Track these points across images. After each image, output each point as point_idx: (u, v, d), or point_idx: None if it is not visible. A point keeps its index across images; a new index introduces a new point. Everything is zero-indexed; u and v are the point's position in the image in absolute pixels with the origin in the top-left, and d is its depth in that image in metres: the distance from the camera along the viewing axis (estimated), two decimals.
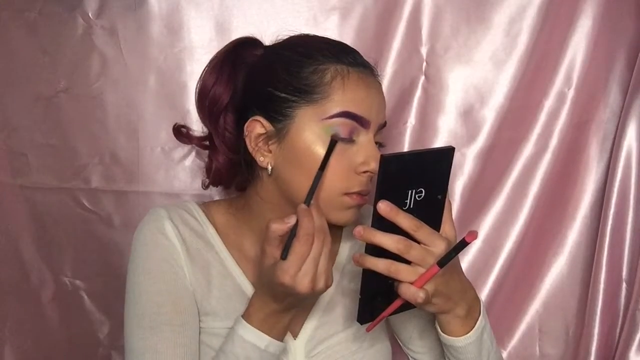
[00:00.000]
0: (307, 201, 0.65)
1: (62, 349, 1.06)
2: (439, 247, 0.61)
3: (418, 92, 1.01)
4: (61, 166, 0.99)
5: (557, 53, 0.98)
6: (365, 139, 0.70)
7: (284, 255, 0.62)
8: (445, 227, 0.65)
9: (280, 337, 0.70)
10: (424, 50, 0.99)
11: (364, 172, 0.70)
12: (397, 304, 0.65)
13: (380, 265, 0.61)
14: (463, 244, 0.58)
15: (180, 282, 0.73)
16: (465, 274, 0.91)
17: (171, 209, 0.77)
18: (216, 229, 0.78)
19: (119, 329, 1.04)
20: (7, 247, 1.01)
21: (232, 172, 0.81)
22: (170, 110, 0.98)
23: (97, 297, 1.04)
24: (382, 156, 0.58)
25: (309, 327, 0.77)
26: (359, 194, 0.71)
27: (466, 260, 1.02)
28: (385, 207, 0.59)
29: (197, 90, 0.80)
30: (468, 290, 0.68)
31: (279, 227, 0.63)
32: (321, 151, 0.68)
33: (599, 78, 0.99)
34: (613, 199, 0.95)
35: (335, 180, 0.69)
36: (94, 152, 0.99)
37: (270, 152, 0.72)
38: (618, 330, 0.97)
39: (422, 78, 1.00)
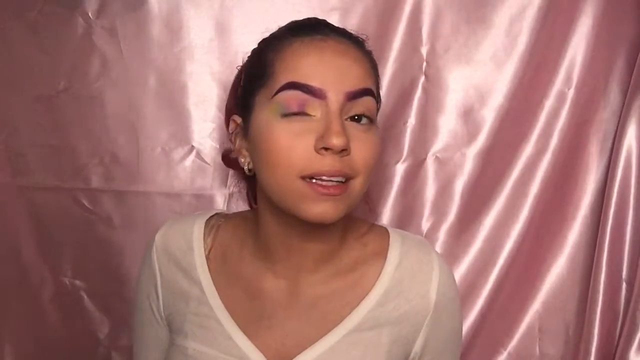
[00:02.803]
0: None
1: (62, 349, 1.05)
2: None
3: (418, 92, 1.00)
4: (61, 166, 0.99)
5: (557, 53, 0.98)
6: (323, 110, 0.60)
7: None
8: None
9: None
10: (424, 50, 0.99)
11: (323, 149, 0.59)
12: None
13: None
14: None
15: (149, 311, 0.76)
16: (465, 274, 0.90)
17: (172, 228, 0.74)
18: (211, 250, 0.73)
19: (119, 329, 1.04)
20: (7, 247, 1.01)
21: None
22: (170, 110, 0.98)
23: (97, 297, 1.04)
24: None
25: (310, 355, 0.66)
26: (319, 179, 0.59)
27: (466, 260, 1.02)
28: None
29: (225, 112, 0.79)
30: None
31: None
32: (273, 132, 0.60)
33: (599, 78, 0.99)
34: (613, 199, 0.95)
35: (289, 160, 0.59)
36: (94, 152, 0.99)
37: (247, 150, 0.66)
38: (618, 330, 0.97)
39: (422, 78, 1.00)
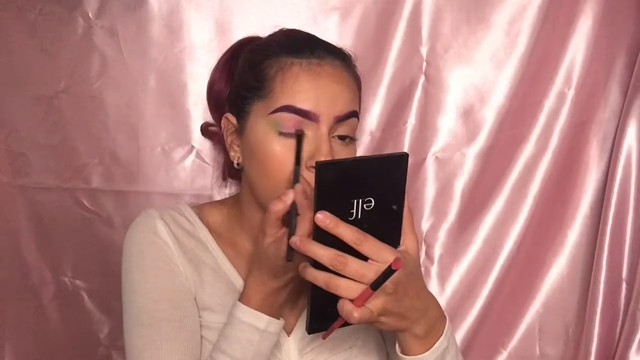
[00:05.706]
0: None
1: (62, 348, 1.06)
2: (387, 262, 0.55)
3: (418, 92, 1.01)
4: (61, 166, 0.99)
5: (557, 53, 0.98)
6: (314, 131, 0.67)
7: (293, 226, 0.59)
8: (405, 239, 0.60)
9: (278, 316, 0.68)
10: (424, 50, 0.99)
11: (312, 166, 0.65)
12: None
13: (319, 278, 0.56)
14: (390, 271, 0.54)
15: (175, 278, 0.73)
16: (465, 274, 0.90)
17: (163, 211, 0.77)
18: (209, 229, 0.78)
19: (119, 329, 1.04)
20: (7, 247, 1.01)
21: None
22: (170, 110, 0.98)
23: (97, 297, 1.04)
24: (317, 163, 0.54)
25: (303, 324, 0.74)
26: None
27: (466, 260, 1.02)
28: (323, 219, 0.55)
29: (207, 88, 0.83)
30: (430, 308, 0.63)
31: (279, 208, 0.61)
32: (270, 146, 0.67)
33: (599, 78, 0.99)
34: (613, 199, 0.95)
35: (282, 174, 0.67)
36: (94, 152, 0.99)
37: (238, 147, 0.74)
38: (618, 330, 0.97)
39: (422, 78, 1.00)
